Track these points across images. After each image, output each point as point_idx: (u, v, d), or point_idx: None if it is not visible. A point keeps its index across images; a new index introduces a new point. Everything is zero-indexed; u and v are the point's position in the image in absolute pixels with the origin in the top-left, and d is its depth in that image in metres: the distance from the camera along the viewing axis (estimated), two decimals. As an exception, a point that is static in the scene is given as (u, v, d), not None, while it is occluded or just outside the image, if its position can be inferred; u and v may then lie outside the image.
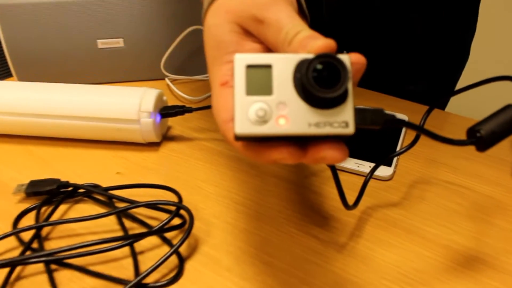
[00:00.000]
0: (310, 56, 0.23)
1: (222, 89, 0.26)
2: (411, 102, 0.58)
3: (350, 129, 0.23)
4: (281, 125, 0.22)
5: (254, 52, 0.28)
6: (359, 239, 0.37)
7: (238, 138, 0.23)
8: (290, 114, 0.22)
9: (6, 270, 0.34)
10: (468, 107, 1.28)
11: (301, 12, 0.31)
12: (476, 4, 0.65)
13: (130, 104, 0.46)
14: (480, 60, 1.42)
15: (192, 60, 0.63)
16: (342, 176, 0.44)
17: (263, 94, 0.23)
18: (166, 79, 0.62)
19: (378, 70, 0.68)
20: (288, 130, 0.22)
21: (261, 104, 0.22)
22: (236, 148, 0.25)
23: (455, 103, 0.81)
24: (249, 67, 0.23)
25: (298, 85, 0.23)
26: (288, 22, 0.26)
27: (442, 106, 0.68)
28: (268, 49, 0.28)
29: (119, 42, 0.61)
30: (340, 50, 0.54)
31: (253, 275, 0.34)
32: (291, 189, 0.42)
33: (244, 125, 0.22)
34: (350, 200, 0.41)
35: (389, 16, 0.63)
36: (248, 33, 0.28)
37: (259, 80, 0.23)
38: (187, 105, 0.49)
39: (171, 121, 0.53)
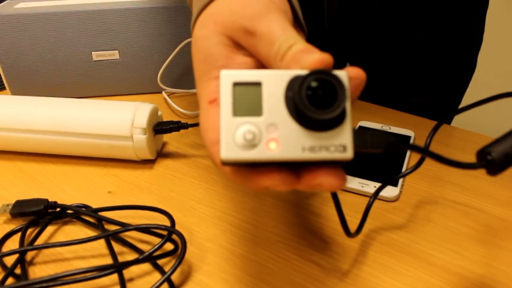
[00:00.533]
0: (304, 72, 0.21)
1: (210, 107, 0.24)
2: (416, 117, 0.56)
3: (349, 154, 0.21)
4: (271, 150, 0.20)
5: (244, 66, 0.26)
6: (363, 266, 0.35)
7: (225, 163, 0.21)
8: (282, 137, 0.20)
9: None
10: (475, 120, 1.26)
11: (296, 22, 0.29)
12: (483, 15, 0.63)
13: (122, 119, 0.44)
14: (488, 72, 1.40)
15: (189, 73, 0.61)
16: (344, 197, 0.42)
17: (251, 115, 0.21)
18: (163, 93, 0.60)
19: (382, 82, 0.66)
20: (280, 155, 0.20)
21: (250, 126, 0.20)
22: (224, 173, 0.23)
23: (461, 116, 0.79)
24: (237, 84, 0.21)
25: (290, 105, 0.21)
26: (281, 34, 0.23)
27: (448, 120, 0.66)
28: (260, 63, 0.26)
29: (114, 54, 0.59)
30: (343, 62, 0.52)
31: (249, 305, 0.31)
32: (290, 211, 0.40)
33: (231, 149, 0.20)
34: (353, 222, 0.38)
35: (393, 27, 0.62)
36: (238, 46, 0.26)
37: (248, 100, 0.21)
38: (183, 121, 0.47)
39: (166, 137, 0.51)
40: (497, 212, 0.40)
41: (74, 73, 0.59)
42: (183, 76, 0.61)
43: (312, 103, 0.19)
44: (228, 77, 0.21)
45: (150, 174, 0.45)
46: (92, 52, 0.58)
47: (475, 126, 0.77)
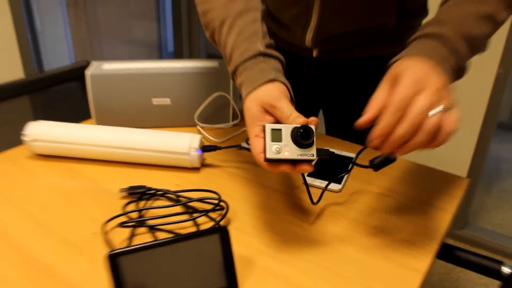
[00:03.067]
0: (297, 125, 0.53)
1: (256, 138, 0.56)
2: (360, 145, 0.89)
3: (314, 157, 0.53)
4: (285, 155, 0.52)
5: (270, 122, 0.58)
6: (319, 219, 0.66)
7: (267, 160, 0.53)
8: (289, 150, 0.53)
9: (128, 230, 0.62)
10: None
11: (291, 98, 0.61)
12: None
13: (184, 142, 0.76)
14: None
15: (215, 114, 0.93)
16: (312, 189, 0.74)
17: (277, 141, 0.53)
18: (198, 126, 0.92)
19: (344, 122, 0.99)
20: (288, 157, 0.52)
21: (277, 145, 0.52)
22: (264, 166, 0.55)
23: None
24: (272, 129, 0.53)
25: (292, 137, 0.53)
26: (287, 109, 0.56)
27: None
28: (277, 121, 0.58)
29: (167, 101, 0.91)
30: (317, 107, 0.93)
31: (261, 231, 0.63)
32: (285, 196, 0.72)
33: (270, 154, 0.52)
34: (315, 200, 0.70)
35: (353, 86, 0.95)
36: (267, 112, 0.58)
37: (276, 135, 0.53)
38: (216, 145, 0.79)
39: (206, 154, 0.82)
40: (399, 197, 0.73)
41: (140, 111, 0.91)
42: (210, 116, 0.93)
43: (301, 137, 0.52)
44: (269, 126, 0.53)
45: (198, 176, 0.77)
46: (153, 99, 0.91)
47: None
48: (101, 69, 0.89)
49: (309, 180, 0.75)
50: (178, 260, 0.49)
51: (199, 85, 0.91)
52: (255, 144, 0.56)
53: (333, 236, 0.63)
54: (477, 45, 0.61)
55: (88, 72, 0.87)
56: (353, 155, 0.83)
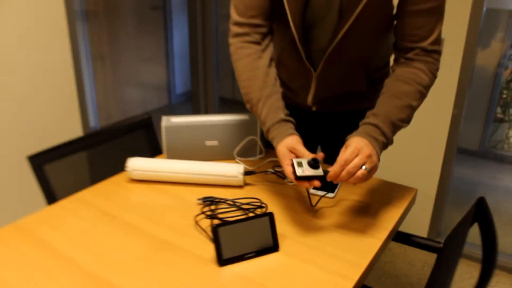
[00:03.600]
0: (310, 159, 0.98)
1: (288, 166, 1.00)
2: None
3: (322, 173, 0.97)
4: (306, 173, 0.97)
5: (294, 157, 1.02)
6: (319, 214, 1.10)
7: (297, 178, 0.97)
8: (307, 171, 0.97)
9: (208, 221, 1.05)
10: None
11: (303, 143, 1.06)
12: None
13: (234, 169, 1.20)
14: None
15: (247, 151, 1.37)
16: (313, 197, 1.17)
17: (300, 167, 0.97)
18: (236, 159, 1.36)
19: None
20: (308, 174, 0.97)
21: (301, 169, 0.97)
22: (294, 181, 0.99)
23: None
24: (297, 162, 0.98)
25: (308, 164, 0.98)
26: (303, 150, 1.01)
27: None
28: (297, 157, 1.02)
29: (215, 142, 1.35)
30: (318, 143, 1.51)
31: (284, 219, 1.06)
32: (297, 208, 1.15)
33: (298, 173, 0.96)
34: (326, 202, 1.14)
35: (345, 127, 1.40)
36: (291, 152, 1.03)
37: (300, 164, 0.98)
38: (253, 170, 1.23)
39: (246, 177, 1.26)
40: (364, 201, 1.16)
41: (197, 149, 1.35)
42: (244, 152, 1.37)
43: (313, 163, 0.97)
44: (295, 159, 0.98)
45: (242, 190, 1.20)
46: (206, 141, 1.35)
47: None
48: (171, 122, 1.33)
49: (315, 191, 1.19)
50: (248, 230, 0.92)
51: (236, 131, 1.35)
52: (288, 170, 1.00)
53: (329, 224, 1.07)
54: (400, 126, 1.08)
55: (163, 125, 1.31)
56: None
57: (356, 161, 0.96)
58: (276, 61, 1.34)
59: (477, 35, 1.95)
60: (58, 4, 1.92)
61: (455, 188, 3.11)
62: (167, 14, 4.16)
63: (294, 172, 0.98)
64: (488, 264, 1.04)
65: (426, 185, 2.30)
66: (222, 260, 0.91)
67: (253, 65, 1.17)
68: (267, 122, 1.11)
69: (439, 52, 1.13)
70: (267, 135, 1.12)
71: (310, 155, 1.00)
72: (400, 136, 1.87)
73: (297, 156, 1.03)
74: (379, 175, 1.20)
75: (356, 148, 0.98)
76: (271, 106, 1.11)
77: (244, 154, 1.38)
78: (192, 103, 3.52)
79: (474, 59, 2.02)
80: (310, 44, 1.23)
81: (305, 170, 0.97)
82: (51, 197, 1.30)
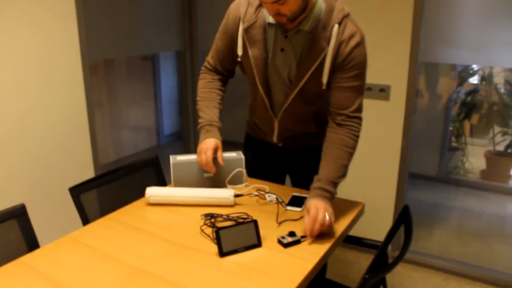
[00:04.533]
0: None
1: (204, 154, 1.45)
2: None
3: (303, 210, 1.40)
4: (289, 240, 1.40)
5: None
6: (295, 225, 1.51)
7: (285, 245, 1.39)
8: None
9: (210, 229, 1.46)
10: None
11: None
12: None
13: (227, 193, 1.61)
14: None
15: (236, 180, 1.79)
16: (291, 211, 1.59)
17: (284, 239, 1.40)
18: (228, 186, 1.78)
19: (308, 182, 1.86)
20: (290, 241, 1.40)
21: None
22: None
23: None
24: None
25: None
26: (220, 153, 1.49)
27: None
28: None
29: (212, 174, 1.77)
30: (285, 173, 2.07)
31: (264, 224, 1.47)
32: (270, 214, 1.57)
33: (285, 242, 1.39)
34: (295, 215, 1.56)
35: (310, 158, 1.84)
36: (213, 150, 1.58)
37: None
38: (241, 193, 1.65)
39: (236, 198, 1.67)
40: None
41: (198, 180, 1.76)
42: (233, 180, 1.79)
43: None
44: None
45: (233, 208, 1.61)
46: (204, 173, 1.76)
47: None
48: (177, 159, 1.75)
49: (290, 207, 1.60)
50: (239, 232, 1.33)
51: (227, 165, 1.77)
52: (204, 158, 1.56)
53: (295, 228, 1.48)
54: (339, 181, 1.53)
55: (172, 162, 1.73)
56: (306, 195, 1.70)
57: (321, 215, 1.38)
58: (249, 109, 1.88)
59: (415, 83, 2.45)
60: (76, 57, 2.37)
61: (416, 209, 3.57)
62: (155, 63, 4.62)
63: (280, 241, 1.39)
64: (404, 250, 1.44)
65: (384, 207, 2.73)
66: (222, 253, 1.31)
67: (208, 85, 1.77)
68: (204, 119, 1.71)
69: (359, 118, 1.57)
70: (200, 127, 1.70)
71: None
72: (358, 165, 2.32)
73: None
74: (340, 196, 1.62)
75: (316, 208, 1.40)
76: (210, 111, 1.72)
77: (233, 182, 1.80)
78: (179, 144, 3.93)
79: (415, 100, 2.50)
80: (272, 99, 1.71)
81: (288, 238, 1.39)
82: (85, 219, 1.70)
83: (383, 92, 2.54)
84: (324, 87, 1.57)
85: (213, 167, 1.65)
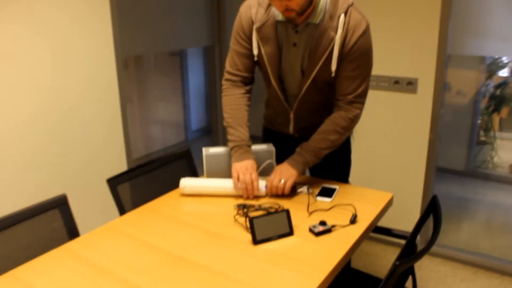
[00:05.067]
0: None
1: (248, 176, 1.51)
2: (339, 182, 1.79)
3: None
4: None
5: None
6: (323, 214, 1.55)
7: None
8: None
9: (243, 218, 1.51)
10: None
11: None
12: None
13: (260, 184, 1.66)
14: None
15: (266, 171, 1.83)
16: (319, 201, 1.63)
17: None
18: (259, 177, 1.83)
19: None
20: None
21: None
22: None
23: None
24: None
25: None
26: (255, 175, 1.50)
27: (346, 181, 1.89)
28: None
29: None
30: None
31: (295, 214, 1.51)
32: (299, 204, 1.61)
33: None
34: (325, 205, 1.59)
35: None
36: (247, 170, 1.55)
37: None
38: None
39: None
40: (354, 205, 1.61)
41: (228, 171, 1.81)
42: (264, 172, 1.84)
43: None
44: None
45: (264, 199, 1.66)
46: (235, 165, 1.81)
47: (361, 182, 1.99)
48: (209, 151, 1.80)
49: (320, 198, 1.64)
50: (272, 221, 1.38)
51: (258, 157, 1.81)
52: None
53: (325, 218, 1.52)
54: (321, 152, 1.66)
55: (204, 154, 1.79)
56: (335, 186, 1.73)
57: (276, 178, 1.63)
58: (265, 103, 1.96)
59: (443, 76, 2.44)
60: (110, 54, 2.45)
61: (444, 203, 3.54)
62: (183, 58, 4.70)
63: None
64: (434, 237, 1.47)
65: (412, 200, 2.74)
66: (256, 241, 1.36)
67: (236, 102, 1.77)
68: (238, 137, 1.73)
69: (361, 102, 1.68)
70: (234, 145, 1.71)
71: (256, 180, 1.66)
72: (386, 157, 2.31)
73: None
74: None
75: (278, 171, 1.65)
76: (244, 130, 1.74)
77: (264, 173, 1.84)
78: (206, 138, 4.00)
79: (443, 94, 2.50)
80: (286, 92, 1.79)
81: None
82: (122, 209, 1.77)
83: (410, 85, 2.55)
84: (333, 74, 1.65)
85: (257, 189, 1.67)
